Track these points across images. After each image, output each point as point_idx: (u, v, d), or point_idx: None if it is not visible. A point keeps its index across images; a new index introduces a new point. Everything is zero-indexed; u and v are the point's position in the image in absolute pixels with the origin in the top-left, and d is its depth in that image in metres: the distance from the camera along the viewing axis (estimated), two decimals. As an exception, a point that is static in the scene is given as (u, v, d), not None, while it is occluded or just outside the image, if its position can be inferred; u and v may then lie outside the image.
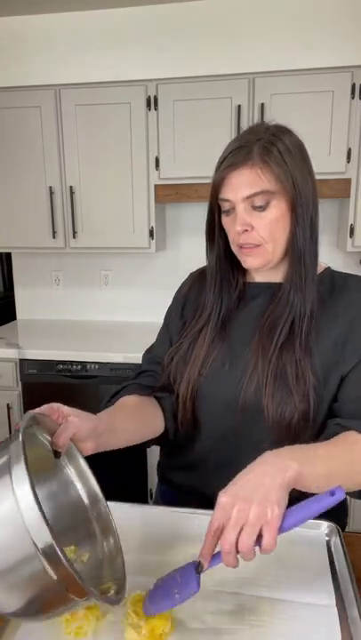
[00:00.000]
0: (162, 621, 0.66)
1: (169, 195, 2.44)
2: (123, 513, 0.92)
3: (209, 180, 2.43)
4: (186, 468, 1.03)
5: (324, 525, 0.88)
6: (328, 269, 1.00)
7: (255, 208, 0.86)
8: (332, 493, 0.64)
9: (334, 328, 0.91)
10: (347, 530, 0.91)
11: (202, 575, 0.77)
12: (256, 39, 2.21)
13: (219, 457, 0.97)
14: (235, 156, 0.85)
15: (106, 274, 2.91)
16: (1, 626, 0.67)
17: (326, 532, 0.87)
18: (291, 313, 0.90)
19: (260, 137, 0.86)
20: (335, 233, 2.62)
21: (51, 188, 2.50)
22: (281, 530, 0.64)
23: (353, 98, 2.17)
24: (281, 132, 0.88)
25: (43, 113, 2.43)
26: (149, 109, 2.33)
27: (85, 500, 0.77)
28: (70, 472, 0.77)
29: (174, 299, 1.11)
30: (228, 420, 0.93)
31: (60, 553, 0.52)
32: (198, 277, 1.07)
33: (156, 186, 2.41)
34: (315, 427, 0.91)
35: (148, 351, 1.12)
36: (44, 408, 0.76)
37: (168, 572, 0.69)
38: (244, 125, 2.26)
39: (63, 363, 2.37)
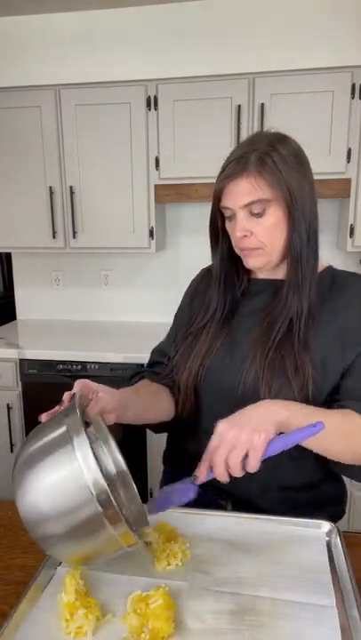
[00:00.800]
0: (166, 625, 0.66)
1: (169, 195, 2.44)
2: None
3: (209, 180, 2.44)
4: (189, 456, 1.04)
5: (325, 525, 0.88)
6: (329, 268, 1.04)
7: (253, 215, 0.92)
8: (314, 425, 0.74)
9: (334, 324, 0.96)
10: (347, 530, 0.91)
11: (202, 577, 0.78)
12: (256, 39, 2.21)
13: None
14: (233, 167, 0.91)
15: (106, 274, 2.91)
16: (1, 625, 0.67)
17: (326, 531, 0.88)
18: (289, 312, 0.95)
19: (256, 147, 0.91)
20: (335, 233, 2.63)
21: (51, 188, 2.50)
22: (265, 454, 0.74)
23: (353, 98, 2.17)
24: (277, 141, 0.93)
25: (43, 113, 2.43)
26: (149, 109, 2.33)
27: (112, 468, 0.85)
28: (100, 443, 0.86)
29: (185, 294, 1.18)
30: (229, 409, 0.95)
31: (111, 498, 0.64)
32: (208, 274, 1.13)
33: (156, 186, 2.42)
34: None
35: (158, 346, 1.19)
36: (78, 385, 0.85)
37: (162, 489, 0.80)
38: (244, 125, 2.26)
39: (63, 363, 2.37)
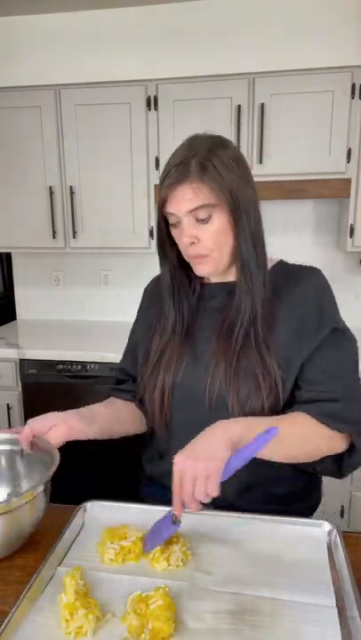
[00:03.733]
0: (166, 625, 0.66)
1: (169, 195, 2.43)
2: (121, 512, 0.93)
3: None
4: (166, 468, 1.05)
5: (325, 525, 0.88)
6: (280, 262, 1.06)
7: (199, 221, 0.91)
8: (267, 432, 0.78)
9: (292, 318, 0.96)
10: (347, 530, 0.91)
11: (202, 577, 0.78)
12: (256, 39, 2.21)
13: None
14: (175, 174, 0.90)
15: (106, 274, 2.91)
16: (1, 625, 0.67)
17: (326, 531, 0.87)
18: (245, 314, 0.95)
19: (196, 152, 0.90)
20: (335, 233, 2.63)
21: (51, 188, 2.50)
22: (226, 474, 0.79)
23: (353, 98, 2.17)
24: (217, 146, 0.93)
25: (43, 113, 2.43)
26: (149, 109, 2.33)
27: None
28: None
29: (139, 309, 1.18)
30: (200, 419, 0.97)
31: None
32: (153, 290, 1.14)
33: (156, 186, 2.41)
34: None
35: (120, 365, 1.20)
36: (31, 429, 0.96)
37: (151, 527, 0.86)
38: (244, 125, 2.26)
39: (63, 363, 2.37)
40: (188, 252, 0.95)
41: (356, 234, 2.30)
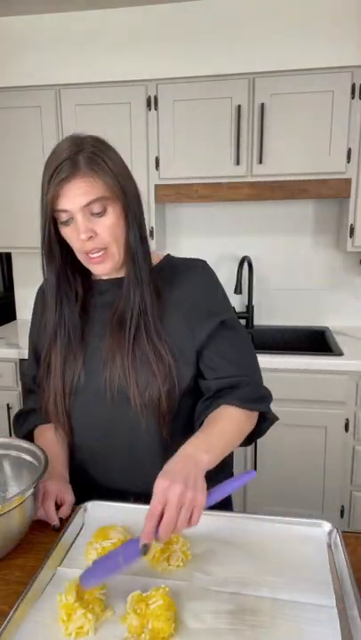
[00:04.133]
0: (166, 625, 0.66)
1: (169, 195, 2.44)
2: (121, 513, 0.93)
3: (209, 180, 2.44)
4: (81, 470, 1.10)
5: (325, 525, 0.88)
6: (167, 257, 1.09)
7: (94, 215, 0.92)
8: (248, 473, 0.80)
9: (181, 309, 1.00)
10: (347, 530, 0.91)
11: (202, 577, 0.78)
12: (256, 39, 2.21)
13: (98, 449, 1.06)
14: (63, 170, 0.89)
15: (106, 274, 2.91)
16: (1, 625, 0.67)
17: (326, 531, 0.87)
18: (134, 307, 0.98)
19: (80, 148, 0.91)
20: (335, 233, 2.63)
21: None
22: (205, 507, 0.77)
23: (353, 98, 2.17)
24: (100, 142, 0.95)
25: (43, 113, 2.43)
26: (149, 109, 2.33)
27: None
28: None
29: (31, 322, 1.18)
30: (102, 414, 1.02)
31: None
32: (42, 295, 1.13)
33: (156, 186, 2.41)
34: (184, 401, 1.02)
35: (30, 372, 1.20)
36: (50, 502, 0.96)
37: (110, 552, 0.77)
38: (244, 125, 2.26)
39: (63, 363, 2.36)
40: (85, 247, 0.94)
41: (357, 234, 2.30)
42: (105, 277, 1.05)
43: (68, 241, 0.96)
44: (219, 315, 1.01)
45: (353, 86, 2.16)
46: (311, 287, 2.69)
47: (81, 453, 1.08)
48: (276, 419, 1.03)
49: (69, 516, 0.93)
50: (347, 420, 2.18)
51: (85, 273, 1.05)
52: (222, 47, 2.25)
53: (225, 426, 0.92)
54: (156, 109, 2.33)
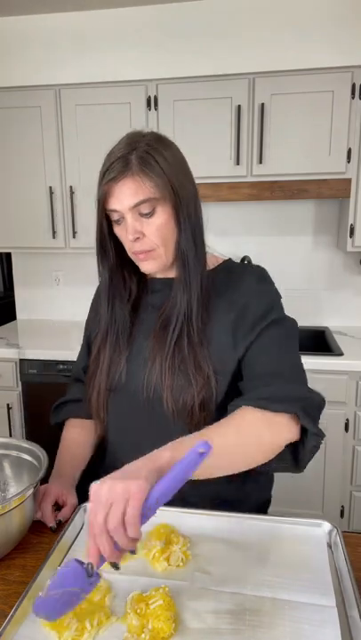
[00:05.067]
0: (167, 625, 0.66)
1: (169, 195, 2.43)
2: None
3: (209, 180, 2.43)
4: (111, 468, 1.07)
5: (325, 525, 0.88)
6: (228, 261, 1.05)
7: (143, 215, 0.91)
8: (200, 453, 0.65)
9: (229, 315, 0.96)
10: (347, 530, 0.91)
11: (203, 576, 0.77)
12: (256, 39, 2.21)
13: (128, 448, 0.97)
14: (114, 169, 0.88)
15: (106, 274, 2.91)
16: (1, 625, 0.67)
17: (326, 531, 0.87)
18: (180, 310, 0.96)
19: (135, 147, 0.89)
20: (335, 233, 2.63)
21: (51, 188, 2.50)
22: (150, 499, 0.62)
23: (353, 98, 2.17)
24: (156, 141, 0.92)
25: (43, 113, 2.43)
26: (149, 109, 2.33)
27: None
28: None
29: (88, 312, 1.19)
30: (136, 414, 1.00)
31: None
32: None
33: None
34: (219, 413, 0.93)
35: (73, 371, 1.22)
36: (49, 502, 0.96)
37: (52, 583, 0.63)
38: (244, 125, 2.26)
39: (63, 363, 2.36)
40: (133, 248, 0.94)
41: (357, 234, 2.30)
42: (159, 276, 1.03)
43: (121, 239, 0.96)
44: (264, 320, 0.94)
45: (353, 86, 2.16)
46: (311, 287, 2.69)
47: (113, 451, 1.08)
48: (323, 435, 0.85)
49: (69, 518, 0.93)
50: (347, 420, 2.18)
51: (138, 276, 1.04)
52: (222, 47, 2.25)
53: (226, 428, 0.80)
54: (156, 109, 2.33)
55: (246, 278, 0.99)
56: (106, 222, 0.95)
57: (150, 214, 0.90)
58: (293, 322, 0.99)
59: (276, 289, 1.01)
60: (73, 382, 1.19)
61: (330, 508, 2.26)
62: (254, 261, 2.64)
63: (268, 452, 0.83)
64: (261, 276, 1.01)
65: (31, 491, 0.83)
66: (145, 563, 0.81)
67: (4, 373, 2.44)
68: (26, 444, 0.98)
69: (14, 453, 0.99)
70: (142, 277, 1.05)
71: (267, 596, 0.73)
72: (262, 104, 2.23)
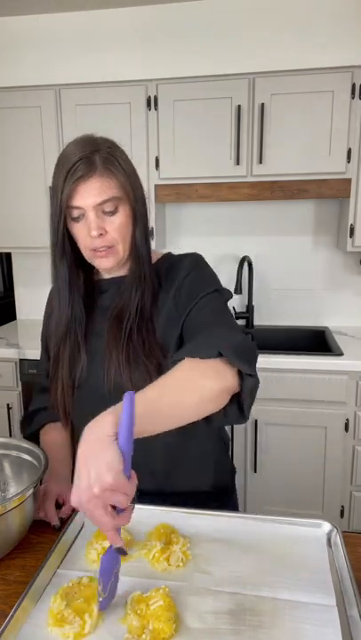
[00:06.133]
0: (167, 625, 0.66)
1: (169, 195, 2.44)
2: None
3: (209, 180, 2.43)
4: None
5: (325, 525, 0.88)
6: (166, 254, 1.10)
7: (105, 213, 0.95)
8: (126, 400, 0.68)
9: (168, 301, 1.02)
10: (347, 530, 0.91)
11: (203, 576, 0.78)
12: (256, 39, 2.21)
13: None
14: (80, 169, 0.92)
15: (106, 274, 2.91)
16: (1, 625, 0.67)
17: (326, 531, 0.87)
18: (133, 304, 1.01)
19: (97, 148, 0.94)
20: (335, 233, 2.63)
21: (51, 188, 2.49)
22: (127, 465, 0.67)
23: (353, 98, 2.17)
24: (113, 145, 0.99)
25: (43, 113, 2.43)
26: (149, 109, 2.33)
27: None
28: None
29: (43, 320, 1.23)
30: (100, 409, 0.98)
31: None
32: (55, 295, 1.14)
33: (156, 186, 2.41)
34: None
35: (40, 375, 1.22)
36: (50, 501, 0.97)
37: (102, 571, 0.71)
38: (244, 125, 2.26)
39: (63, 363, 2.36)
40: (93, 244, 0.97)
41: (357, 234, 2.30)
42: (106, 277, 1.08)
43: (76, 237, 0.99)
44: (200, 294, 0.98)
45: (353, 86, 2.16)
46: (311, 287, 2.69)
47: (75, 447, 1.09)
48: (257, 377, 0.84)
49: (70, 515, 0.93)
50: (347, 420, 2.18)
51: (88, 272, 1.08)
52: (222, 47, 2.25)
53: (163, 380, 0.78)
54: (156, 109, 2.33)
55: (183, 260, 1.06)
56: (63, 220, 0.97)
57: (113, 212, 0.95)
58: (228, 292, 1.03)
59: (206, 264, 1.06)
60: (39, 392, 1.20)
61: (330, 507, 2.26)
62: (254, 261, 2.64)
63: (212, 399, 0.79)
64: (196, 258, 1.06)
65: (31, 491, 0.83)
66: (145, 563, 0.81)
67: (4, 373, 2.44)
68: (26, 444, 0.98)
69: (14, 453, 0.99)
70: (89, 278, 1.09)
71: (267, 596, 0.73)
72: (262, 104, 2.23)
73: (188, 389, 0.78)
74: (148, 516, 0.91)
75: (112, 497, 0.65)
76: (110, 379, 1.00)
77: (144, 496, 0.95)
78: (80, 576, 0.76)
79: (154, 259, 1.07)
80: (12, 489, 0.99)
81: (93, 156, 0.93)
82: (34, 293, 3.01)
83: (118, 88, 2.34)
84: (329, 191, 2.28)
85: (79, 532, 0.90)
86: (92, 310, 1.07)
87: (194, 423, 0.80)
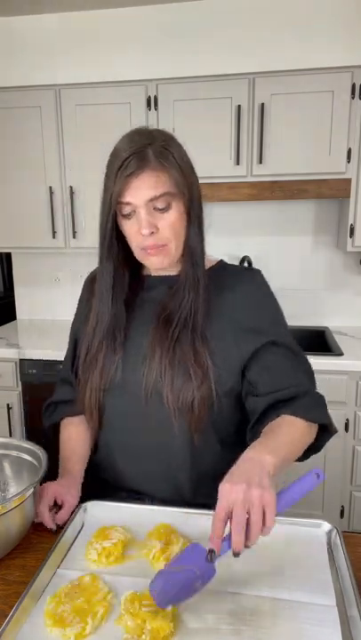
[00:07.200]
0: (165, 624, 0.66)
1: (169, 195, 2.43)
2: (121, 513, 0.93)
3: (209, 180, 2.43)
4: (106, 465, 1.08)
5: (325, 525, 0.88)
6: (221, 262, 1.07)
7: (157, 210, 0.91)
8: (317, 475, 0.75)
9: (228, 318, 0.97)
10: (347, 530, 0.91)
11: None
12: (256, 39, 2.21)
13: (126, 446, 1.03)
14: (132, 164, 0.88)
15: (106, 274, 2.91)
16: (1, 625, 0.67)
17: (326, 531, 0.87)
18: (185, 306, 0.96)
19: (150, 141, 0.89)
20: (335, 233, 2.63)
21: (51, 188, 2.50)
22: (277, 510, 0.70)
23: (353, 98, 2.17)
24: (169, 138, 0.93)
25: (43, 113, 2.43)
26: (149, 109, 2.33)
27: None
28: None
29: (77, 309, 1.18)
30: (135, 411, 1.00)
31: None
32: (91, 284, 1.10)
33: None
34: (221, 411, 0.98)
35: (61, 373, 1.18)
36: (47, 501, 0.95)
37: (173, 561, 0.71)
38: (244, 125, 2.26)
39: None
40: (144, 242, 0.93)
41: (357, 234, 2.30)
42: (155, 274, 1.04)
43: (127, 235, 0.95)
44: (267, 334, 0.97)
45: (353, 86, 2.16)
46: (311, 287, 2.69)
47: (108, 449, 1.06)
48: (336, 431, 0.97)
49: (67, 521, 0.92)
50: (347, 420, 2.18)
51: (136, 268, 1.03)
52: (222, 47, 2.25)
53: (287, 432, 0.86)
54: (156, 109, 2.33)
55: (245, 280, 1.02)
56: (113, 216, 0.94)
57: (165, 209, 0.91)
58: (290, 337, 1.02)
59: (270, 293, 1.03)
60: (60, 383, 1.17)
61: (330, 507, 2.26)
62: (254, 261, 2.64)
63: (303, 450, 0.92)
64: (261, 280, 1.03)
65: (31, 491, 0.83)
66: (145, 563, 0.81)
67: (4, 373, 2.44)
68: (26, 444, 0.98)
69: (14, 453, 0.99)
70: (135, 274, 1.04)
71: (267, 596, 0.73)
72: (262, 104, 2.23)
73: (299, 445, 0.89)
74: (148, 515, 0.91)
75: (261, 506, 0.68)
76: (150, 381, 0.96)
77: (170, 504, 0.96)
78: (80, 576, 0.76)
79: (207, 264, 1.02)
80: (12, 489, 0.99)
81: (146, 149, 0.88)
82: (34, 293, 3.01)
83: (118, 88, 2.34)
84: (329, 191, 2.28)
85: (79, 532, 0.90)
86: (136, 306, 1.02)
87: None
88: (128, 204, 0.90)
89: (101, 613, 0.69)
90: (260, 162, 2.28)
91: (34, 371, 2.41)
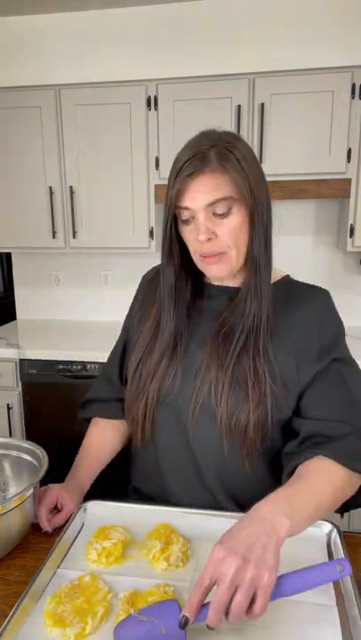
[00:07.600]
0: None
1: (169, 195, 2.43)
2: (121, 513, 0.93)
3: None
4: (147, 478, 1.05)
5: (325, 525, 0.88)
6: (287, 277, 1.00)
7: (216, 215, 0.85)
8: (340, 566, 0.66)
9: (289, 338, 0.91)
10: (347, 530, 0.91)
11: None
12: (256, 39, 2.21)
13: (174, 463, 0.98)
14: (192, 165, 0.83)
15: (106, 274, 2.91)
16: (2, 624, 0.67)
17: (326, 531, 0.87)
18: (247, 320, 0.89)
19: (213, 143, 0.84)
20: (335, 233, 2.63)
21: (51, 187, 2.50)
22: (275, 595, 0.63)
23: (353, 98, 2.17)
24: (234, 139, 0.87)
25: (43, 113, 2.43)
26: (149, 109, 2.33)
27: None
28: None
29: (131, 306, 1.12)
30: (181, 428, 0.94)
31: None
32: (152, 280, 1.06)
33: (156, 186, 2.42)
34: (273, 439, 0.92)
35: (104, 370, 1.16)
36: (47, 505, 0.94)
37: (144, 610, 0.66)
38: (244, 125, 2.26)
39: (63, 363, 2.36)
40: (202, 249, 0.87)
41: (357, 234, 2.30)
42: (216, 283, 0.97)
43: (186, 241, 0.90)
44: (330, 354, 0.90)
45: (353, 86, 2.16)
46: (311, 287, 2.69)
47: (153, 465, 1.01)
48: None
49: (64, 523, 0.92)
50: (347, 419, 2.17)
51: (197, 275, 0.97)
52: (222, 47, 2.25)
53: (317, 484, 0.79)
54: (156, 109, 2.33)
55: (311, 300, 0.94)
56: (174, 222, 0.90)
57: (225, 214, 0.85)
58: (352, 359, 0.95)
59: (337, 314, 0.97)
60: (101, 380, 1.13)
61: (330, 507, 2.26)
62: (254, 261, 2.64)
63: (339, 504, 0.84)
64: (328, 301, 0.96)
65: (31, 491, 0.83)
66: (145, 563, 0.81)
67: (4, 373, 2.44)
68: (26, 444, 0.98)
69: (14, 453, 0.99)
70: (197, 282, 0.98)
71: (267, 596, 0.73)
72: (262, 104, 2.23)
73: (331, 501, 0.80)
74: (148, 515, 0.91)
75: (253, 588, 0.61)
76: (199, 397, 0.90)
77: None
78: (80, 575, 0.76)
79: (272, 278, 0.94)
80: (12, 489, 0.99)
81: (209, 151, 0.83)
82: (34, 293, 3.02)
83: (118, 88, 2.34)
84: (329, 191, 2.28)
85: (79, 531, 0.90)
86: (193, 316, 0.96)
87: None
88: (186, 208, 0.85)
89: (101, 613, 0.69)
90: (261, 162, 2.27)
91: (34, 371, 2.41)
